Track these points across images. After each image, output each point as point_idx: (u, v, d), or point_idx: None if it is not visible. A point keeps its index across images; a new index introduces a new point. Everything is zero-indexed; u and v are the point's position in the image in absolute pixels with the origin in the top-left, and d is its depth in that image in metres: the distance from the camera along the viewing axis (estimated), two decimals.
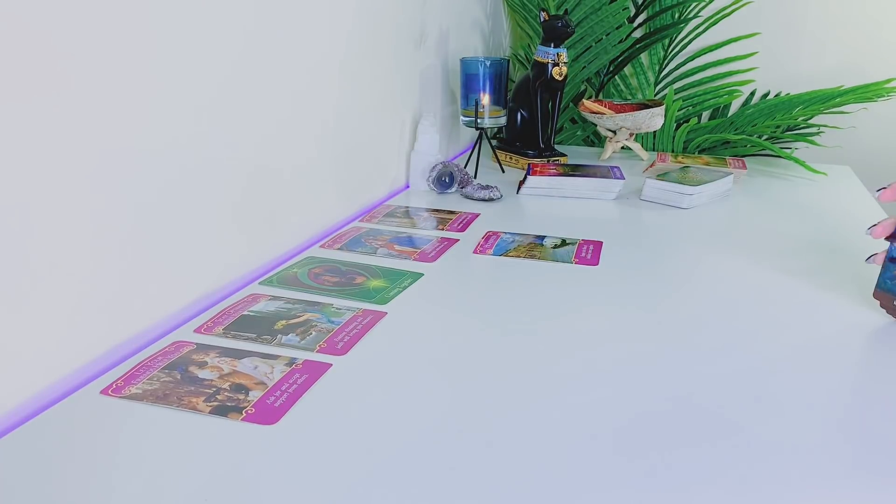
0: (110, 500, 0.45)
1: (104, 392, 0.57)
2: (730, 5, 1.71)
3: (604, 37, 1.58)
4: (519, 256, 0.90)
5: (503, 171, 1.39)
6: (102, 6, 0.58)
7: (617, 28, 1.56)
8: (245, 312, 0.72)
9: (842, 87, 1.49)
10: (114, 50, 0.60)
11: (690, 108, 1.72)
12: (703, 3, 1.70)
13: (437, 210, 1.11)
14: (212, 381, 0.59)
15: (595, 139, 1.73)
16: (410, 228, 1.01)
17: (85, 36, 0.57)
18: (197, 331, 0.68)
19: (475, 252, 0.92)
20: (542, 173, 1.21)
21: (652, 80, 1.79)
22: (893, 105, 1.68)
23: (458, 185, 1.19)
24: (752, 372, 0.63)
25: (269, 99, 0.83)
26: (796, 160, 1.41)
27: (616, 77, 1.72)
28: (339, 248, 0.92)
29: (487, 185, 1.17)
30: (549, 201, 1.18)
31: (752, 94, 1.82)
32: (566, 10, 1.49)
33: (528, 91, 1.40)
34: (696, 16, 1.68)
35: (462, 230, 1.01)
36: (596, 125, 1.51)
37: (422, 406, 0.56)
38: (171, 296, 0.70)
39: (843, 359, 0.65)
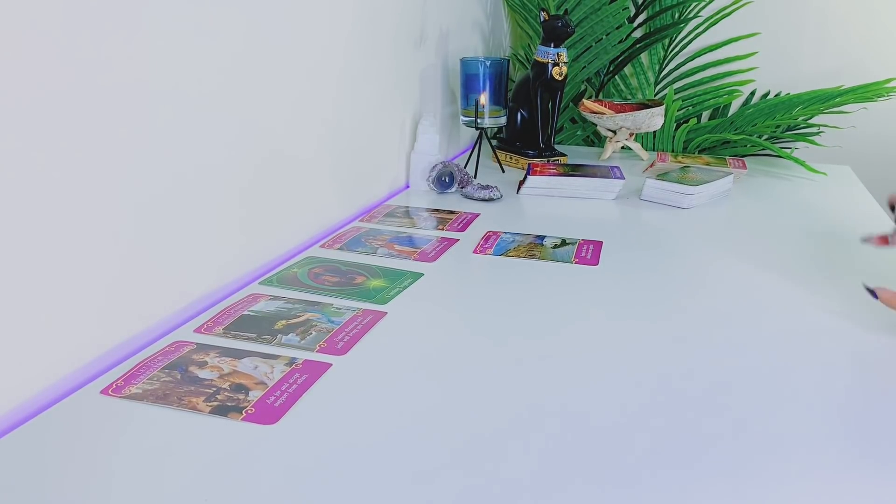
0: (110, 500, 0.45)
1: (104, 392, 0.57)
2: (730, 5, 1.71)
3: (604, 37, 1.58)
4: (519, 256, 0.90)
5: (503, 171, 1.39)
6: (105, 6, 0.58)
7: (617, 28, 1.56)
8: (245, 312, 0.72)
9: (842, 87, 1.48)
10: (113, 52, 0.60)
11: (690, 108, 1.71)
12: (703, 3, 1.70)
13: (437, 210, 1.11)
14: (212, 380, 0.59)
15: (595, 139, 1.73)
16: (410, 228, 1.01)
17: (85, 35, 0.57)
18: (197, 331, 0.68)
19: (475, 252, 0.92)
20: (542, 173, 1.21)
21: (652, 80, 1.79)
22: (893, 105, 1.68)
23: (458, 185, 1.19)
24: (751, 370, 0.63)
25: (269, 99, 0.83)
26: (796, 160, 1.41)
27: (616, 77, 1.72)
28: (339, 248, 0.92)
29: (487, 185, 1.17)
30: (549, 201, 1.18)
31: (752, 94, 1.82)
32: (566, 10, 1.49)
33: (528, 91, 1.40)
34: (696, 16, 1.68)
35: (462, 230, 1.01)
36: (596, 125, 1.51)
37: (421, 406, 0.56)
38: (172, 296, 0.70)
39: (845, 357, 0.65)
